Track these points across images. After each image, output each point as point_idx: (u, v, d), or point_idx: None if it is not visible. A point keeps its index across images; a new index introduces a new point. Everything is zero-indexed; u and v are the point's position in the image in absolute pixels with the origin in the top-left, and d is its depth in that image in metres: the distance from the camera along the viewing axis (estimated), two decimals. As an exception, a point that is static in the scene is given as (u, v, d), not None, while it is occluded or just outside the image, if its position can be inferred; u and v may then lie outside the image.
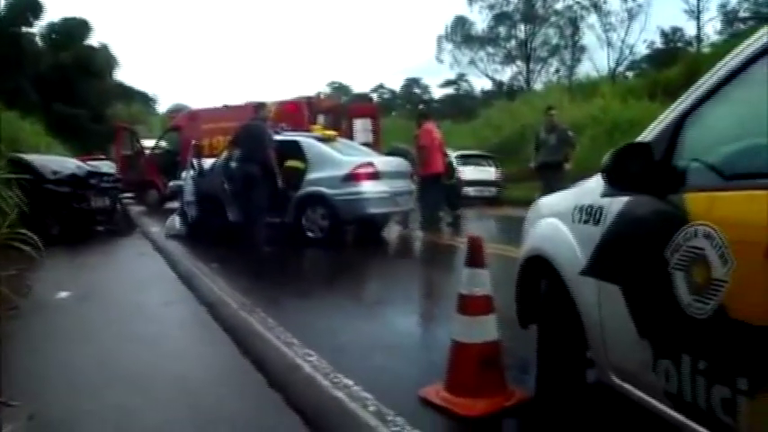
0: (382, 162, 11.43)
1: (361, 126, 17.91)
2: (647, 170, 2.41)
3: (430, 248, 11.12)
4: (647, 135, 2.59)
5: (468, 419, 3.32)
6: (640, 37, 42.31)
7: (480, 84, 67.21)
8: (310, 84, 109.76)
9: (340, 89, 67.94)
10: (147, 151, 20.81)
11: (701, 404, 2.09)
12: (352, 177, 10.61)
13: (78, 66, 42.34)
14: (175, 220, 12.47)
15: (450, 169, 13.67)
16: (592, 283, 2.78)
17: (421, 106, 46.12)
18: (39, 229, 10.98)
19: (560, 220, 3.16)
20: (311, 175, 10.95)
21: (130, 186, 19.57)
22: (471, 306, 3.43)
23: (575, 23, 42.54)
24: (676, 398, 2.24)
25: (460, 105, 51.37)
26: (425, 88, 70.15)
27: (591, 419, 3.19)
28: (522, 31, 45.27)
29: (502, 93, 44.94)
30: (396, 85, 77.38)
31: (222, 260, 9.09)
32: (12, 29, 40.12)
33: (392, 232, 12.38)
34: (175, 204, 13.60)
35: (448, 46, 48.90)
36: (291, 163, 11.20)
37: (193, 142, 13.07)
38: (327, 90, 61.91)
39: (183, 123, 19.62)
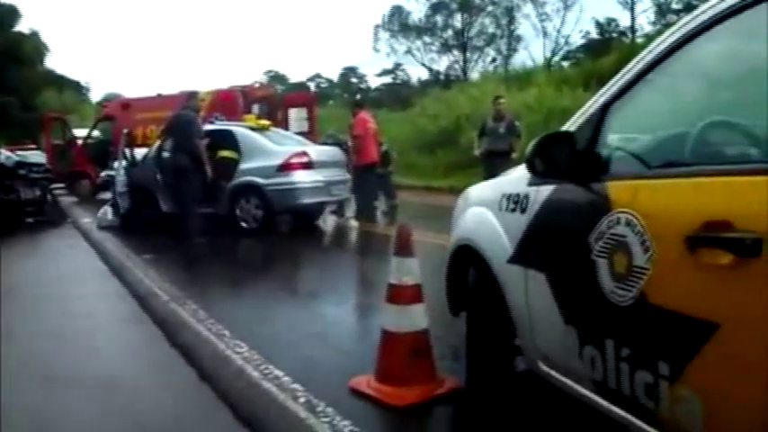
0: (316, 151, 11.35)
1: (297, 115, 17.78)
2: (569, 159, 2.42)
3: (364, 238, 11.09)
4: (572, 124, 2.60)
5: (399, 409, 3.32)
6: (576, 27, 43.02)
7: (417, 73, 67.49)
8: (246, 73, 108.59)
9: (276, 78, 67.25)
10: (80, 141, 20.27)
11: (625, 390, 2.12)
12: (286, 167, 10.51)
13: (7, 53, 41.17)
14: (107, 212, 12.19)
15: (385, 158, 13.63)
16: (519, 271, 2.79)
17: (357, 96, 45.90)
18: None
19: (488, 209, 3.16)
20: (245, 165, 10.81)
21: (61, 177, 19.09)
22: (400, 295, 3.42)
23: (510, 13, 43.03)
24: (601, 384, 2.26)
25: (397, 94, 51.39)
26: (362, 77, 69.99)
27: (520, 407, 3.22)
28: (458, 20, 45.56)
29: (438, 82, 45.12)
30: (333, 74, 76.79)
31: (155, 252, 8.92)
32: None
33: (327, 222, 12.32)
34: (108, 195, 13.28)
35: (385, 35, 48.91)
36: (225, 153, 11.05)
37: (125, 132, 12.76)
38: (264, 79, 61.25)
39: (116, 112, 19.12)
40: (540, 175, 2.61)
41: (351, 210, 12.34)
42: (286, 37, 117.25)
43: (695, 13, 2.11)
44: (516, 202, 2.87)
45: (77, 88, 56.71)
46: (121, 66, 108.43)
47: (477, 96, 26.27)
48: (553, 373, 2.64)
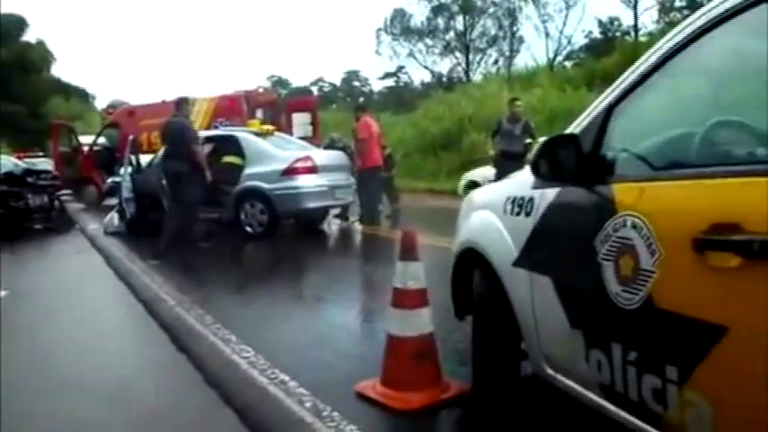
0: (320, 156, 11.37)
1: (300, 120, 17.75)
2: (574, 161, 2.41)
3: (368, 242, 11.09)
4: (576, 126, 2.59)
5: (404, 413, 3.31)
6: (578, 27, 42.86)
7: (420, 75, 67.49)
8: (250, 78, 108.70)
9: (279, 83, 67.42)
10: (86, 148, 20.30)
11: (632, 395, 2.10)
12: (290, 172, 10.51)
13: (14, 62, 41.58)
14: (114, 217, 12.23)
15: (388, 162, 13.64)
16: (524, 275, 2.77)
17: (360, 99, 45.92)
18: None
19: (493, 212, 3.15)
20: (249, 171, 10.82)
21: (69, 183, 19.14)
22: (405, 300, 3.41)
23: (512, 14, 42.94)
24: (608, 389, 2.24)
25: (400, 97, 51.47)
26: (365, 81, 70.17)
27: (526, 412, 3.21)
28: (460, 22, 45.51)
29: (441, 84, 45.09)
30: (336, 78, 77.11)
31: (161, 257, 8.93)
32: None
33: (332, 226, 12.32)
34: (114, 201, 13.32)
35: (387, 39, 48.91)
36: (229, 159, 11.09)
37: (130, 138, 12.77)
38: (267, 84, 61.35)
39: (121, 119, 19.17)
40: (545, 178, 2.59)
41: (355, 213, 12.34)
42: (288, 42, 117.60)
43: (700, 12, 2.09)
44: (521, 206, 2.85)
45: (83, 96, 57.03)
46: (126, 73, 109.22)
47: (479, 98, 26.34)
48: (559, 377, 2.63)
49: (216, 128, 12.09)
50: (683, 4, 36.50)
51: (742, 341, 1.68)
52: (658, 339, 1.99)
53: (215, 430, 3.53)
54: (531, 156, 2.66)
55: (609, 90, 2.48)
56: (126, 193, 11.76)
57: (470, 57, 45.53)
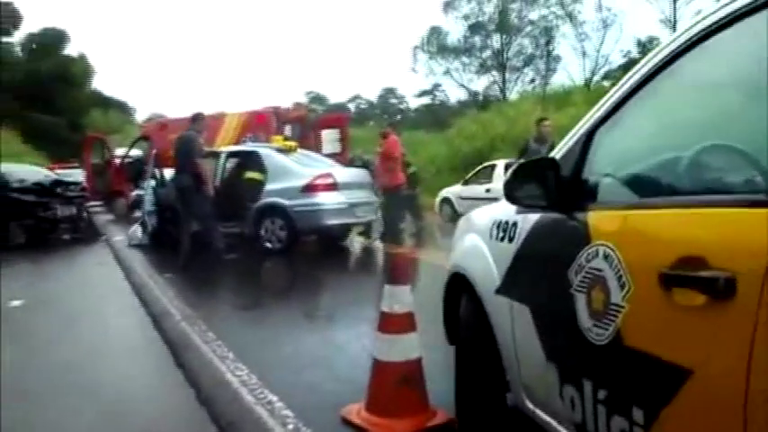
0: (341, 173, 11.33)
1: (329, 136, 17.80)
2: (553, 187, 2.29)
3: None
4: (558, 151, 2.48)
5: (386, 441, 3.20)
6: (615, 47, 42.32)
7: (456, 94, 67.42)
8: (288, 93, 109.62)
9: (317, 99, 67.83)
10: (118, 160, 20.58)
11: (602, 436, 1.97)
12: (310, 188, 10.50)
13: (56, 75, 42.69)
14: (137, 230, 12.38)
15: (413, 180, 13.56)
16: (505, 303, 2.65)
17: (398, 117, 46.01)
18: (1, 236, 11.10)
19: (480, 236, 3.04)
20: (270, 186, 10.83)
21: (99, 195, 19.43)
22: (391, 324, 3.32)
23: (549, 33, 42.59)
24: (581, 427, 2.11)
25: (436, 115, 51.37)
26: (401, 98, 70.24)
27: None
28: (496, 40, 45.27)
29: (477, 102, 44.91)
30: (372, 95, 77.28)
31: (177, 270, 8.97)
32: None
33: (353, 243, 12.25)
34: (139, 214, 13.46)
35: (423, 57, 48.84)
36: (250, 174, 11.11)
37: (153, 152, 12.91)
38: (305, 100, 61.79)
39: (153, 133, 19.44)
40: (518, 204, 2.49)
41: (378, 231, 12.26)
42: (327, 59, 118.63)
43: (682, 28, 1.98)
44: (505, 230, 2.74)
45: (123, 109, 58.13)
46: (168, 87, 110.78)
47: (512, 117, 26.21)
48: (538, 411, 2.50)
49: (244, 143, 12.15)
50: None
51: (708, 385, 1.55)
52: (626, 379, 1.86)
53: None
54: (504, 180, 2.52)
55: (590, 113, 2.37)
56: (148, 205, 11.87)
57: (506, 75, 45.24)
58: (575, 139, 2.41)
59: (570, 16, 41.00)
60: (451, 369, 3.28)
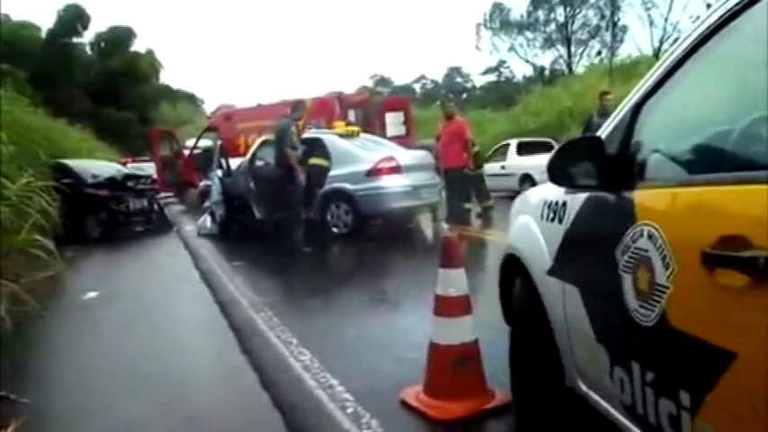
0: (405, 156, 11.31)
1: (394, 119, 17.78)
2: (595, 166, 2.26)
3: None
4: (604, 129, 2.43)
5: (444, 423, 3.22)
6: (684, 13, 40.58)
7: (522, 69, 66.44)
8: (354, 78, 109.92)
9: (382, 82, 67.86)
10: (187, 152, 21.03)
11: (652, 419, 1.93)
12: (374, 172, 10.53)
13: (125, 71, 43.94)
14: (207, 220, 12.65)
15: (477, 159, 13.43)
16: (557, 284, 2.62)
17: (451, 99, 45.56)
18: (78, 230, 11.53)
19: (532, 217, 3.01)
20: (334, 172, 10.90)
21: (169, 187, 19.89)
22: (446, 307, 3.34)
23: (614, 3, 41.36)
24: (631, 409, 2.08)
25: (502, 92, 50.75)
26: (467, 77, 69.64)
27: (570, 426, 3.05)
28: (560, 14, 44.33)
29: (543, 78, 44.14)
30: (438, 75, 76.81)
31: (245, 258, 9.19)
32: (62, 40, 41.75)
33: (418, 226, 12.23)
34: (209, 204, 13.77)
35: (487, 33, 48.25)
36: (315, 160, 11.19)
37: (219, 142, 13.13)
38: (370, 83, 61.91)
39: (219, 123, 19.77)
40: (562, 185, 2.46)
41: (443, 213, 12.21)
42: (391, 41, 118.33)
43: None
44: (555, 211, 2.71)
45: (192, 100, 59.28)
46: (235, 77, 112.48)
47: (579, 91, 25.71)
48: (590, 392, 2.47)
49: (309, 129, 12.31)
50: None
51: (750, 370, 1.50)
52: (673, 361, 1.83)
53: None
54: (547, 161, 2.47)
55: (636, 87, 2.31)
56: (215, 195, 12.10)
57: (572, 49, 44.32)
58: (621, 115, 2.36)
59: (636, -17, 39.70)
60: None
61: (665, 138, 2.25)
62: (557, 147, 2.39)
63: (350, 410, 3.46)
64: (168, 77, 68.66)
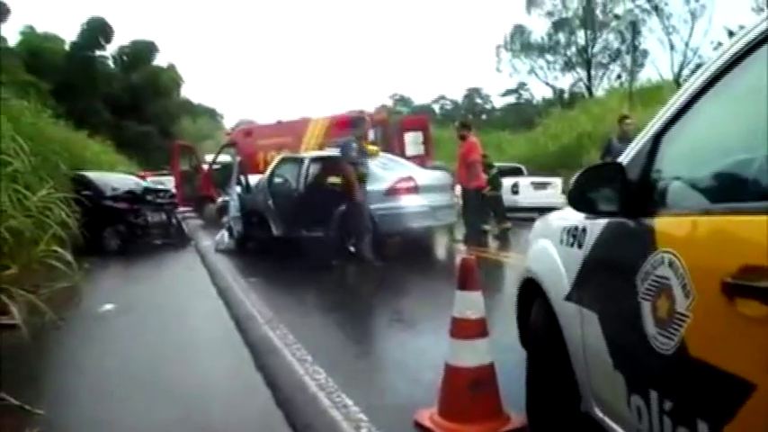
0: (422, 176, 11.32)
1: (412, 139, 17.82)
2: (618, 192, 2.26)
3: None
4: (626, 156, 2.43)
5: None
6: (705, 38, 40.45)
7: (541, 92, 66.50)
8: (373, 97, 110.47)
9: (402, 101, 68.10)
10: (206, 166, 21.16)
11: (669, 448, 1.93)
12: (393, 192, 10.54)
13: (147, 85, 44.45)
14: (224, 235, 12.71)
15: (495, 181, 13.43)
16: (575, 310, 2.62)
17: (469, 116, 45.48)
18: (96, 242, 11.61)
19: (551, 241, 3.01)
20: None
21: (188, 201, 19.98)
22: (463, 329, 3.33)
23: (635, 27, 41.35)
24: (649, 438, 2.08)
25: (521, 114, 50.79)
26: (486, 98, 69.73)
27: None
28: (581, 37, 44.39)
29: (562, 100, 44.12)
30: (457, 95, 76.97)
31: (261, 274, 9.20)
32: (85, 53, 42.35)
33: (435, 246, 12.21)
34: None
35: (507, 55, 48.35)
36: (334, 179, 11.24)
37: (238, 159, 13.22)
38: (389, 102, 62.18)
39: (239, 139, 19.91)
40: (582, 210, 2.45)
41: (460, 234, 12.20)
42: (411, 61, 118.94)
43: (753, 23, 1.90)
44: (575, 236, 2.71)
45: (212, 115, 59.80)
46: (255, 93, 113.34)
47: (599, 114, 25.65)
48: (606, 419, 2.46)
49: (328, 147, 12.42)
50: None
51: (768, 401, 1.50)
52: (691, 390, 1.82)
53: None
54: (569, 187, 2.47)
55: (658, 115, 2.32)
56: (233, 211, 12.17)
57: (592, 72, 44.36)
58: (642, 142, 2.36)
59: (657, 9, 39.64)
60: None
61: (686, 165, 2.25)
62: (578, 173, 2.39)
63: (364, 431, 3.45)
64: (189, 92, 69.20)
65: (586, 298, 2.55)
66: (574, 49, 45.15)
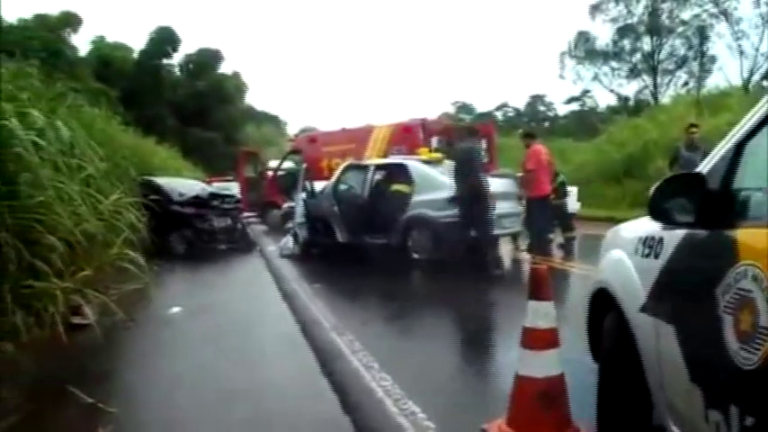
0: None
1: (477, 146, 17.71)
2: (698, 203, 2.22)
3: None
4: (705, 165, 2.39)
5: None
6: (777, 43, 39.05)
7: (606, 99, 65.43)
8: (436, 104, 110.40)
9: (463, 108, 67.82)
10: (270, 173, 21.44)
11: (749, 465, 1.89)
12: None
13: (212, 92, 45.36)
14: (289, 241, 12.86)
15: (561, 189, 13.26)
16: (650, 322, 2.58)
17: (532, 124, 44.97)
18: (164, 246, 11.91)
19: (625, 252, 2.98)
20: (417, 198, 10.96)
21: (253, 207, 20.27)
22: (533, 339, 3.30)
23: (703, 33, 40.25)
24: (727, 454, 2.03)
25: (585, 122, 50.01)
26: (549, 105, 68.93)
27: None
28: (647, 43, 43.45)
29: (627, 108, 43.28)
30: (520, 102, 76.24)
31: (325, 280, 9.29)
32: (153, 61, 43.53)
33: (500, 255, 12.13)
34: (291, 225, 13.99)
35: (571, 62, 47.70)
36: (397, 187, 11.29)
37: (304, 165, 13.38)
38: (452, 110, 62.05)
39: (303, 146, 20.19)
40: (663, 222, 2.42)
41: (524, 243, 12.09)
42: (474, 68, 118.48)
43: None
44: (651, 247, 2.67)
45: (275, 122, 60.67)
46: (317, 100, 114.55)
47: (665, 122, 25.09)
48: (683, 434, 2.42)
49: (391, 155, 12.49)
50: None
51: None
52: (776, 406, 1.78)
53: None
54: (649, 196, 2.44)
55: (740, 123, 2.28)
56: (298, 217, 12.32)
57: (658, 79, 43.37)
58: (723, 151, 2.32)
59: (725, 14, 38.42)
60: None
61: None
62: (657, 183, 2.36)
63: (431, 439, 3.45)
64: (253, 99, 70.31)
65: (663, 309, 2.51)
66: (639, 55, 44.22)
